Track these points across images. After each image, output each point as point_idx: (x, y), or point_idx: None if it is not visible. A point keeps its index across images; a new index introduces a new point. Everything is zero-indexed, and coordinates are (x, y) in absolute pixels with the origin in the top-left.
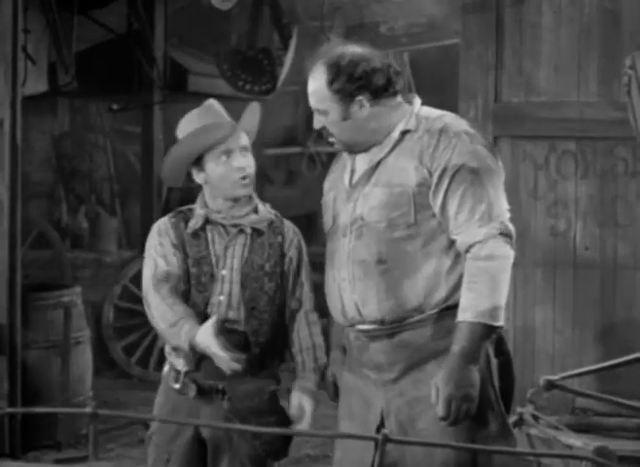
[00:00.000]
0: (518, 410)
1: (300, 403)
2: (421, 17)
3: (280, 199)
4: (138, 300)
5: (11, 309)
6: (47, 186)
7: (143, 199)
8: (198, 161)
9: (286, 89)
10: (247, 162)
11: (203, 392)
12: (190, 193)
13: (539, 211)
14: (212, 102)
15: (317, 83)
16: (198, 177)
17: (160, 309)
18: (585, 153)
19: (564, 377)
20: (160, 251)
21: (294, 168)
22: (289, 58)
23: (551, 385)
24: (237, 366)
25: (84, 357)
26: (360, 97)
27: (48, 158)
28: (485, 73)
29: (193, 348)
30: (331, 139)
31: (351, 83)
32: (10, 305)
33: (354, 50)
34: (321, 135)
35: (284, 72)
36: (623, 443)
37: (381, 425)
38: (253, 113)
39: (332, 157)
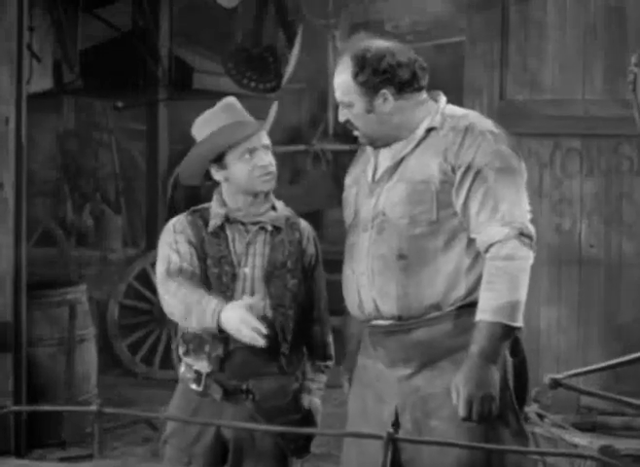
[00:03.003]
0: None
1: (310, 404)
2: (426, 14)
3: (285, 197)
4: (143, 297)
5: (16, 307)
6: (52, 184)
7: (148, 197)
8: (219, 159)
9: (291, 86)
10: (270, 160)
11: (228, 393)
12: (195, 191)
13: (544, 209)
14: (232, 101)
15: (343, 75)
16: (218, 175)
17: (179, 294)
18: (590, 151)
19: (569, 376)
20: (174, 247)
21: (299, 166)
22: (294, 56)
23: (556, 384)
24: (262, 342)
25: (89, 355)
26: (384, 91)
27: (53, 155)
28: (490, 71)
29: (220, 329)
30: (355, 132)
31: (376, 76)
32: (15, 303)
33: (381, 43)
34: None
35: (289, 70)
36: (629, 442)
37: (396, 422)
38: (274, 112)
39: (337, 155)
